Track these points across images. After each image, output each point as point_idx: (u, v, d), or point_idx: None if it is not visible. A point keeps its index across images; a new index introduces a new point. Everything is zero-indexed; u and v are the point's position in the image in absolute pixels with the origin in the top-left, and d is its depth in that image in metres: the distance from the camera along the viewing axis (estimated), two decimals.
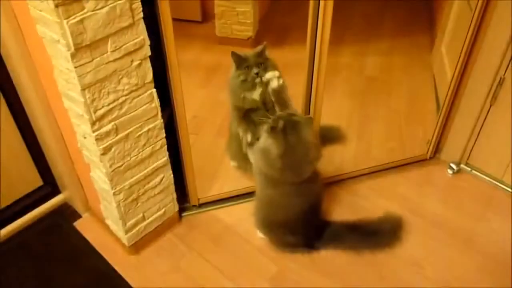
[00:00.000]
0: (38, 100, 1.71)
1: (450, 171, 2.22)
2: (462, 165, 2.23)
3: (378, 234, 1.89)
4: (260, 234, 1.96)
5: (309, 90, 1.87)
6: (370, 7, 3.22)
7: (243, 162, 2.09)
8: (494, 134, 2.05)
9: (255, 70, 1.80)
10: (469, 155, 2.19)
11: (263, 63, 1.81)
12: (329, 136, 2.16)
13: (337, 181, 2.17)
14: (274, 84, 1.78)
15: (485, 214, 2.04)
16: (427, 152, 2.26)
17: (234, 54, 1.81)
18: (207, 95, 2.55)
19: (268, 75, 1.79)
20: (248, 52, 1.84)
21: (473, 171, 2.20)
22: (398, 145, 2.32)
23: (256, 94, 1.84)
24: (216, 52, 2.81)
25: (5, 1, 1.46)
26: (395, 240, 1.90)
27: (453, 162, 2.22)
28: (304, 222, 1.82)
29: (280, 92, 1.78)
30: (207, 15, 2.91)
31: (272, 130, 1.59)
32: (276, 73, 1.80)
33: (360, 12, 3.17)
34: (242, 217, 2.03)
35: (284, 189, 1.74)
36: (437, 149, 2.27)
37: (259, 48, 1.82)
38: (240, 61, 1.82)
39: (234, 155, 2.15)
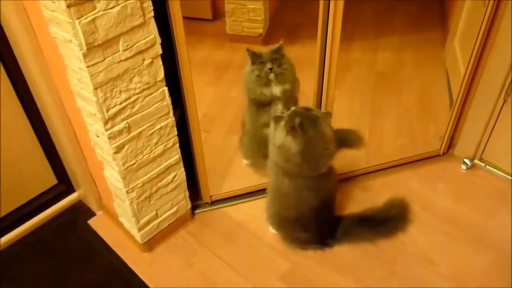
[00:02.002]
0: (52, 100, 1.73)
1: (463, 167, 2.20)
2: (476, 161, 2.20)
3: (387, 221, 1.90)
4: (272, 230, 1.96)
5: (320, 87, 1.87)
6: (381, 2, 3.19)
7: (256, 160, 2.10)
8: (508, 129, 2.03)
9: (269, 66, 1.81)
10: (483, 150, 2.17)
11: (278, 59, 1.82)
12: (347, 140, 2.14)
13: (349, 178, 2.16)
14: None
15: (498, 210, 2.02)
16: (440, 148, 2.24)
17: (249, 51, 1.83)
18: (218, 92, 2.56)
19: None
20: (264, 49, 1.86)
21: (487, 167, 2.18)
22: (410, 141, 2.30)
23: (270, 90, 1.86)
24: (227, 50, 2.81)
25: (19, 1, 1.48)
26: (404, 224, 1.91)
27: (466, 158, 2.20)
28: (317, 218, 1.82)
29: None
30: (217, 13, 2.91)
31: (291, 129, 1.59)
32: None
33: (371, 7, 3.15)
34: (254, 214, 2.04)
35: (299, 182, 1.73)
36: (451, 144, 2.25)
37: (275, 46, 1.83)
38: (255, 57, 1.83)
39: (247, 153, 2.16)
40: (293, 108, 1.69)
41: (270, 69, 1.81)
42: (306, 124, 1.60)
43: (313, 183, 1.73)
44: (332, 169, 1.80)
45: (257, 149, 2.01)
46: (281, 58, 1.83)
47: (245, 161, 2.19)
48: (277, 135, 1.65)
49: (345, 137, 2.03)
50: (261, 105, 1.91)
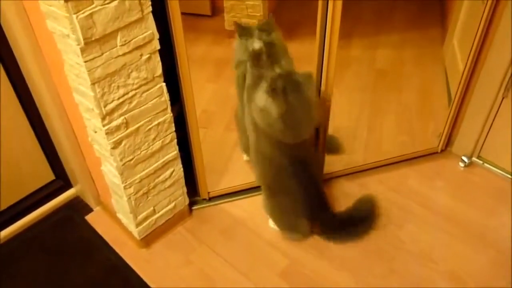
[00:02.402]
0: (49, 95, 1.72)
1: (461, 164, 2.20)
2: (474, 158, 2.20)
3: (357, 223, 1.91)
4: (271, 225, 1.96)
5: (319, 84, 1.86)
6: (381, 0, 3.19)
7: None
8: (506, 127, 2.03)
9: (256, 35, 1.71)
10: (481, 148, 2.17)
11: (267, 30, 1.72)
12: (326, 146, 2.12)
13: (347, 174, 2.16)
14: (256, 45, 1.68)
15: (497, 208, 2.01)
16: (438, 145, 2.24)
17: (236, 24, 1.76)
18: (216, 89, 2.56)
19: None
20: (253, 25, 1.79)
21: (485, 164, 2.18)
22: (408, 139, 2.30)
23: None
24: (226, 46, 2.80)
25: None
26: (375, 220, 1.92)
27: (464, 155, 2.20)
28: (301, 186, 1.77)
29: (261, 54, 1.69)
30: (216, 9, 2.90)
31: (272, 91, 1.54)
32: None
33: (371, 4, 3.14)
34: (253, 211, 2.04)
35: (279, 147, 1.68)
36: (449, 142, 2.25)
37: (264, 20, 1.75)
38: (242, 31, 1.75)
39: (247, 148, 2.14)
40: (277, 71, 1.63)
41: (258, 40, 1.70)
42: (288, 88, 1.55)
43: (294, 149, 1.69)
44: (314, 140, 1.78)
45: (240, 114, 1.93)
46: (271, 30, 1.73)
47: (245, 157, 2.19)
48: (259, 97, 1.60)
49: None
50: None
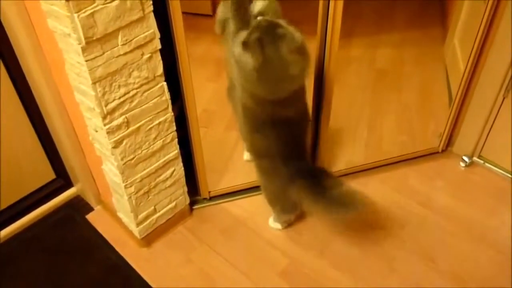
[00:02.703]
0: (50, 94, 1.72)
1: (462, 164, 2.20)
2: (474, 158, 2.20)
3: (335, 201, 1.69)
4: (272, 224, 1.96)
5: (319, 83, 1.86)
6: None
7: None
8: (507, 127, 2.03)
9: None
10: (482, 148, 2.17)
11: None
12: None
13: (347, 174, 2.16)
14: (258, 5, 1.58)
15: (497, 208, 2.02)
16: (439, 145, 2.24)
17: None
18: (217, 88, 2.55)
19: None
20: None
21: (486, 164, 2.18)
22: (409, 138, 2.30)
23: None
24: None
25: None
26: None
27: (465, 155, 2.20)
28: (277, 138, 1.68)
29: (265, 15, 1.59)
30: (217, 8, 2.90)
31: (244, 43, 1.46)
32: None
33: (371, 3, 3.14)
34: (253, 210, 2.04)
35: (260, 104, 1.61)
36: (449, 142, 2.25)
37: None
38: None
39: (246, 141, 2.09)
40: (259, 19, 1.52)
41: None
42: (266, 40, 1.46)
43: (273, 106, 1.61)
44: (300, 96, 1.67)
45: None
46: None
47: (245, 157, 2.19)
48: (235, 47, 1.52)
49: None
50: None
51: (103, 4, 1.30)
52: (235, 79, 1.65)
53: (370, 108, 2.46)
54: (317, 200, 1.68)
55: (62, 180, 2.08)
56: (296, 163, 1.71)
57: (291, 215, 1.95)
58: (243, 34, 1.49)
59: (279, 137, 1.67)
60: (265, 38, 1.47)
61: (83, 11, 1.27)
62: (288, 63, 1.51)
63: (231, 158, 2.22)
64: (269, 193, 1.89)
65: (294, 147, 1.72)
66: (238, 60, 1.52)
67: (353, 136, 2.31)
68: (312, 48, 1.77)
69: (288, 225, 1.98)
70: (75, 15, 1.26)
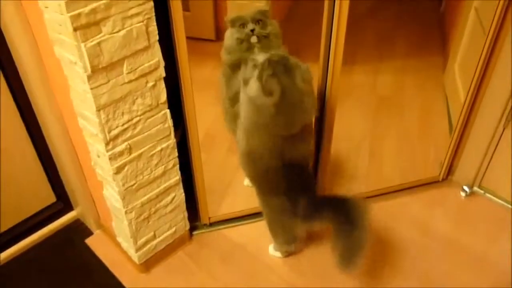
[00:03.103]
0: (54, 119, 1.73)
1: (463, 194, 2.20)
2: (475, 188, 2.20)
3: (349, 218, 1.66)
4: (271, 252, 1.95)
5: (321, 109, 1.87)
6: (383, 26, 3.23)
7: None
8: (508, 157, 2.04)
9: (250, 27, 1.60)
10: (483, 177, 2.17)
11: (262, 21, 1.61)
12: None
13: None
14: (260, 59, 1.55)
15: (498, 237, 2.01)
16: (439, 174, 2.24)
17: (227, 17, 1.66)
18: (219, 112, 2.56)
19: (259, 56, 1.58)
20: (246, 12, 1.66)
21: (487, 194, 2.18)
22: (410, 166, 2.31)
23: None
24: None
25: (26, 22, 1.50)
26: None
27: (466, 185, 2.20)
28: (287, 178, 1.67)
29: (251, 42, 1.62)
30: (221, 34, 2.92)
31: (259, 76, 1.47)
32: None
33: (373, 30, 3.17)
34: (253, 236, 2.03)
35: (272, 140, 1.59)
36: (450, 170, 2.26)
37: (262, 7, 1.65)
38: (234, 20, 1.64)
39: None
40: (267, 55, 1.52)
41: (252, 30, 1.60)
42: (279, 70, 1.47)
43: (282, 142, 1.60)
44: (308, 132, 1.67)
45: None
46: (266, 19, 1.62)
47: (245, 182, 2.19)
48: (250, 86, 1.52)
49: None
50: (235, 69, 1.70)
51: (110, 33, 1.32)
52: (242, 123, 1.64)
53: (371, 134, 2.47)
54: (347, 231, 1.65)
55: (62, 203, 2.08)
56: (305, 197, 1.71)
57: (293, 245, 1.94)
58: (254, 73, 1.50)
59: (288, 176, 1.66)
60: (279, 72, 1.48)
61: (90, 40, 1.29)
62: (302, 93, 1.52)
63: (232, 182, 2.22)
64: (274, 227, 1.87)
65: (302, 182, 1.71)
66: (254, 99, 1.52)
67: (354, 163, 2.32)
68: (314, 73, 1.77)
69: (288, 254, 1.97)
70: (82, 44, 1.28)
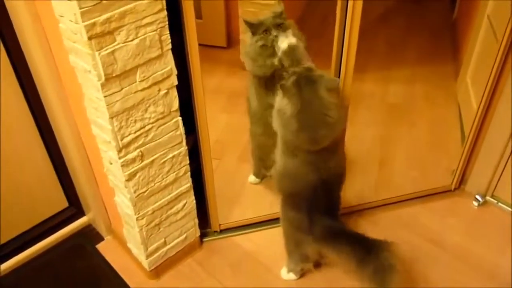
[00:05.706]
0: (68, 125, 1.75)
1: (475, 203, 2.18)
2: (488, 197, 2.18)
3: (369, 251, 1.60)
4: (284, 276, 1.90)
5: None
6: (394, 34, 3.22)
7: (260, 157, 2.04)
8: None
9: (274, 33, 1.64)
10: (496, 187, 2.15)
11: (282, 24, 1.64)
12: None
13: (358, 210, 2.15)
14: (284, 45, 1.62)
15: (509, 247, 1.99)
16: (451, 183, 2.22)
17: (246, 21, 1.67)
18: (230, 119, 2.58)
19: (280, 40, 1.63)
20: (263, 16, 1.69)
21: (499, 204, 2.16)
22: (421, 175, 2.29)
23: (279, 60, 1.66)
24: (240, 77, 2.83)
25: (41, 30, 1.52)
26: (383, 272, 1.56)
27: (478, 194, 2.18)
28: (311, 198, 1.64)
29: (291, 53, 1.63)
30: (232, 41, 2.95)
31: (282, 86, 1.48)
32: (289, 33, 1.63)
33: (384, 39, 3.17)
34: (263, 244, 2.03)
35: (300, 157, 1.58)
36: (462, 180, 2.24)
37: (276, 9, 1.67)
38: (255, 27, 1.66)
39: (257, 170, 2.12)
40: (292, 69, 1.54)
41: (276, 36, 1.64)
42: (303, 84, 1.47)
43: (315, 158, 1.58)
44: (339, 146, 1.65)
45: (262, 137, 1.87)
46: (285, 22, 1.65)
47: (249, 179, 2.17)
48: (277, 99, 1.53)
49: None
50: (267, 80, 1.73)
51: (124, 42, 1.34)
52: (278, 142, 1.64)
53: (381, 143, 2.46)
54: (360, 267, 1.60)
55: (75, 208, 2.10)
56: (325, 219, 1.66)
57: (306, 265, 1.88)
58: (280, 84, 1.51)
59: (314, 193, 1.63)
60: (302, 80, 1.49)
61: (105, 49, 1.30)
62: (326, 106, 1.50)
63: (243, 190, 2.23)
64: (288, 241, 1.83)
65: (327, 204, 1.68)
66: (278, 109, 1.52)
67: (365, 172, 2.31)
68: None
69: (302, 274, 1.90)
70: (96, 53, 1.29)
